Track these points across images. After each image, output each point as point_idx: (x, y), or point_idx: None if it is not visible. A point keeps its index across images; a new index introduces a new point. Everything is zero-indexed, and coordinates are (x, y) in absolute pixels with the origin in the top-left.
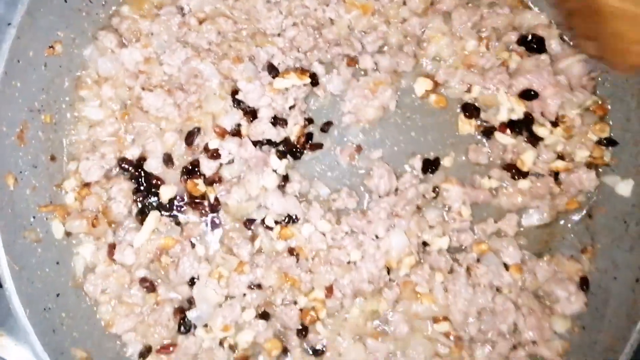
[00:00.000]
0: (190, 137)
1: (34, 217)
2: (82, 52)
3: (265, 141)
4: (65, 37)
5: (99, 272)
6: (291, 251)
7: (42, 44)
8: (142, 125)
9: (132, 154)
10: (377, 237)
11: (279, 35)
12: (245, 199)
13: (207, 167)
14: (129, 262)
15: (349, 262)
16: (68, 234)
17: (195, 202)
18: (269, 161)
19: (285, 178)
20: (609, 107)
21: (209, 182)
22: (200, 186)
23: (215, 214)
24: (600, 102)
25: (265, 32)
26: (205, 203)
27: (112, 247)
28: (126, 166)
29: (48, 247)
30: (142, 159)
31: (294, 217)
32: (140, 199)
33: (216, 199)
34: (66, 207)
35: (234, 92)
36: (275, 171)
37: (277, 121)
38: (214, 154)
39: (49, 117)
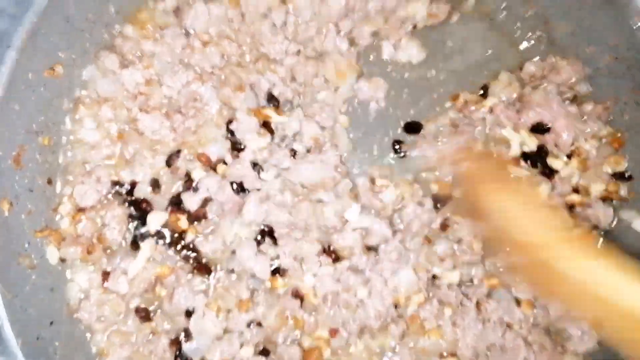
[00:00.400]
0: (170, 159)
1: (28, 243)
2: (82, 72)
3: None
4: (66, 58)
5: (93, 299)
6: (295, 294)
7: (42, 66)
8: (136, 148)
9: (125, 177)
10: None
11: (281, 63)
12: (221, 247)
13: (190, 201)
14: (123, 291)
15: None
16: (63, 260)
17: (174, 239)
18: (243, 209)
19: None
20: (626, 139)
21: (193, 218)
22: (182, 222)
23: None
24: (616, 134)
25: (269, 56)
26: (182, 244)
27: (105, 275)
28: (120, 190)
29: (42, 274)
30: (134, 184)
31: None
32: (135, 225)
33: (193, 245)
34: (61, 232)
35: (230, 120)
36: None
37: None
38: (191, 186)
39: (47, 139)
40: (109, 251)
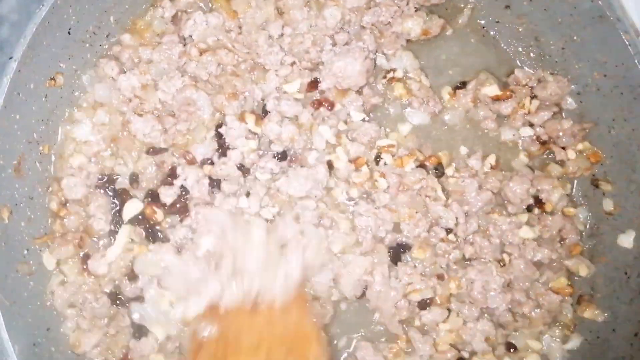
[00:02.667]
0: (155, 151)
1: (27, 250)
2: (82, 78)
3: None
4: (67, 69)
5: (68, 284)
6: None
7: (43, 76)
8: (127, 145)
9: (112, 170)
10: None
11: (276, 73)
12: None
13: (165, 194)
14: (101, 272)
15: None
16: (59, 263)
17: (149, 228)
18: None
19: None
20: (613, 155)
21: (170, 211)
22: (158, 215)
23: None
24: (594, 149)
25: (265, 67)
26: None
27: (86, 258)
28: (104, 182)
29: (40, 280)
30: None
31: None
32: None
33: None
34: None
35: (219, 125)
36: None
37: (242, 169)
38: (170, 175)
39: (47, 148)
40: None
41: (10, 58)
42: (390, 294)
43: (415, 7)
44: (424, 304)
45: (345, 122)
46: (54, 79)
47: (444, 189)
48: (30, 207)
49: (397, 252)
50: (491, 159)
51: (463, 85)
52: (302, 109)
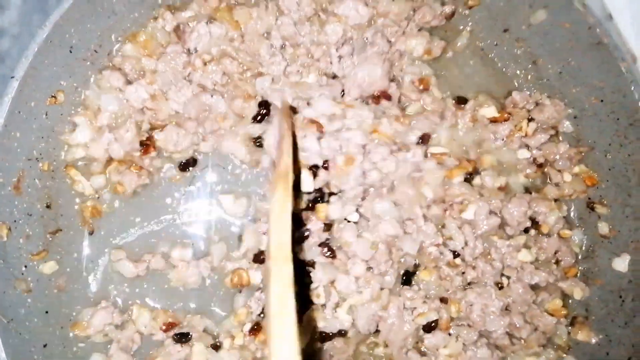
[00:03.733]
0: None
1: (25, 267)
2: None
3: None
4: (68, 86)
5: None
6: None
7: (44, 94)
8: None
9: None
10: None
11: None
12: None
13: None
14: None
15: None
16: None
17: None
18: None
19: None
20: (609, 179)
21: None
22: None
23: None
24: (590, 172)
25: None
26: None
27: None
28: None
29: (38, 297)
30: None
31: None
32: None
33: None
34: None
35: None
36: None
37: None
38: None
39: (47, 165)
40: None
41: (12, 77)
42: (403, 328)
43: (417, 28)
44: (429, 327)
45: None
46: (54, 97)
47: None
48: (29, 224)
49: (408, 274)
50: (501, 180)
51: (464, 101)
52: None
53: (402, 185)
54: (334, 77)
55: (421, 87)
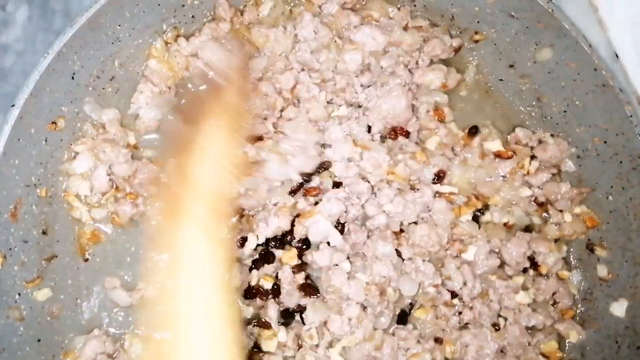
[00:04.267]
0: None
1: (19, 294)
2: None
3: None
4: (69, 112)
5: None
6: None
7: (44, 120)
8: None
9: None
10: None
11: None
12: None
13: None
14: None
15: None
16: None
17: None
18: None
19: None
20: (610, 222)
21: None
22: None
23: None
24: (591, 214)
25: None
26: None
27: None
28: None
29: (30, 325)
30: None
31: None
32: None
33: None
34: None
35: None
36: None
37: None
38: None
39: (44, 191)
40: None
41: (13, 106)
42: None
43: (429, 60)
44: None
45: None
46: (55, 123)
47: None
48: (24, 251)
49: (404, 314)
50: (508, 217)
51: (475, 130)
52: None
53: (411, 228)
54: (359, 106)
55: (436, 118)
